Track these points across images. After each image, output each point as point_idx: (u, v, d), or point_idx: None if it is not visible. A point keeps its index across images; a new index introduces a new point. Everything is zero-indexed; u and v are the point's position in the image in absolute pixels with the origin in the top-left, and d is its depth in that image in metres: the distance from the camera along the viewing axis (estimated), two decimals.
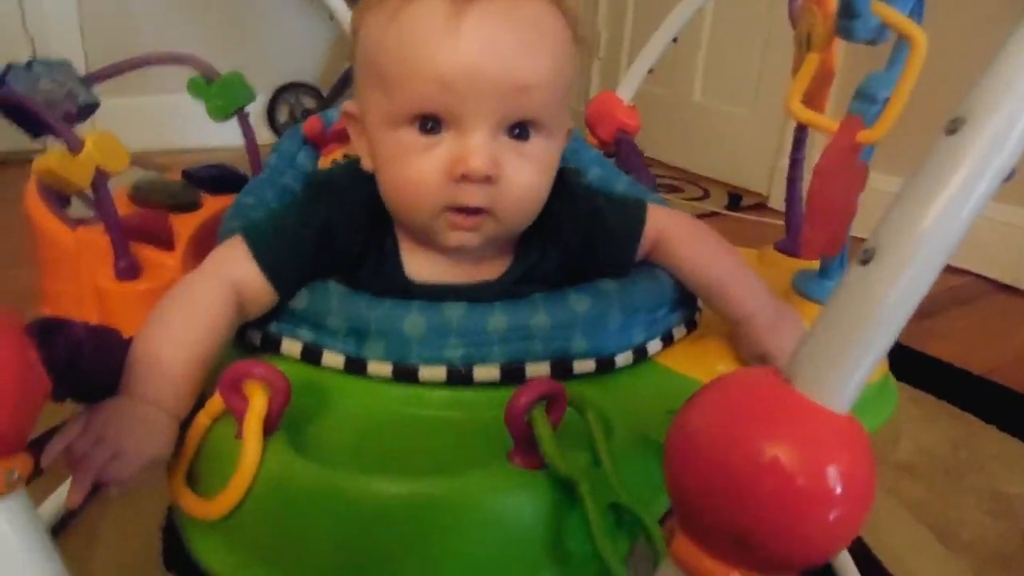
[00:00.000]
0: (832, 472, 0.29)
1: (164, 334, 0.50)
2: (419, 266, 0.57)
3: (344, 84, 2.24)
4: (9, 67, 0.64)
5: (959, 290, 1.47)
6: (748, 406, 0.31)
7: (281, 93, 2.29)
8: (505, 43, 0.49)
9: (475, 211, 0.52)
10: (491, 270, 0.58)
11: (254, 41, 2.24)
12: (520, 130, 0.51)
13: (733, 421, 0.30)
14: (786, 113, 0.57)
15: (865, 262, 0.28)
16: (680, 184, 2.07)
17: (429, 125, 0.50)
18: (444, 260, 0.57)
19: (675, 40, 1.00)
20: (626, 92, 1.02)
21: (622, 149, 0.97)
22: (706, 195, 2.03)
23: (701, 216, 1.68)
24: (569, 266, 0.59)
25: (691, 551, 0.32)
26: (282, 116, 2.33)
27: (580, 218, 0.59)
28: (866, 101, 0.53)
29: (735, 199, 2.03)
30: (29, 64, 0.66)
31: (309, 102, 2.33)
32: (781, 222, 1.81)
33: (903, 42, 0.53)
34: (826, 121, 0.51)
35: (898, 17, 0.47)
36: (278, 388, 0.45)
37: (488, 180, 0.50)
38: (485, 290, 0.57)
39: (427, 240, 0.56)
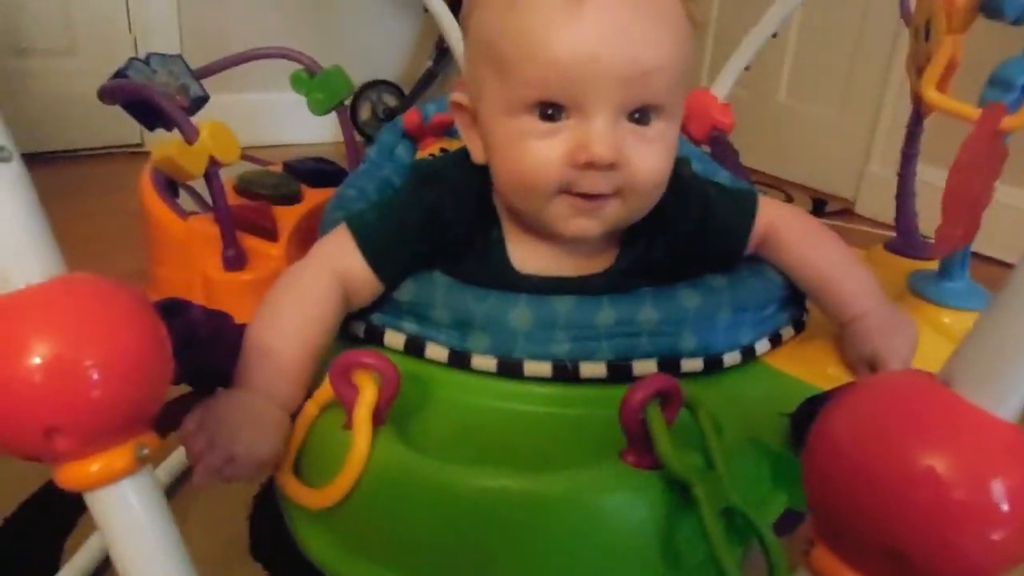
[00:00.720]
0: (998, 486, 0.26)
1: (275, 326, 0.51)
2: (525, 257, 0.57)
3: (427, 82, 2.25)
4: (131, 61, 0.66)
5: None
6: (902, 410, 0.28)
7: (364, 91, 2.32)
8: (626, 28, 0.48)
9: (597, 195, 0.50)
10: (598, 262, 0.57)
11: (337, 39, 2.28)
12: (640, 115, 0.50)
13: (885, 426, 0.28)
14: (908, 101, 0.54)
15: None
16: (762, 188, 2.01)
17: (550, 111, 0.49)
18: (550, 252, 0.56)
19: (775, 35, 0.97)
20: (721, 89, 1.00)
21: (717, 147, 0.95)
22: (789, 200, 1.97)
23: None
24: (677, 257, 0.58)
25: (833, 564, 0.30)
26: (364, 114, 2.36)
27: (690, 207, 0.57)
28: (1003, 88, 0.49)
29: (820, 204, 1.96)
30: (147, 59, 0.68)
31: (391, 100, 2.35)
32: (868, 229, 1.76)
33: None
34: (967, 108, 0.48)
35: None
36: (388, 378, 0.45)
37: (612, 167, 0.49)
38: (593, 282, 0.56)
39: (538, 230, 0.55)
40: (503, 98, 0.50)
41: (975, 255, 0.60)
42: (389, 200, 0.59)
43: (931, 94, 0.50)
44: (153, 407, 0.35)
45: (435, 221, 0.56)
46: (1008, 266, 1.48)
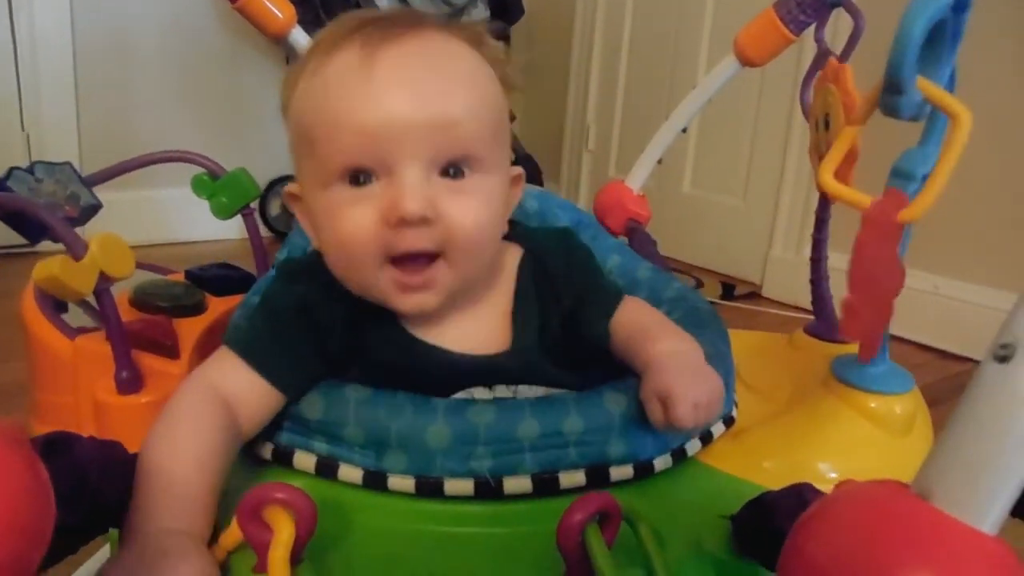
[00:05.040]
0: None
1: (175, 456, 0.46)
2: (420, 326, 0.55)
3: None
4: (11, 171, 0.63)
5: (962, 377, 1.45)
6: (880, 529, 0.26)
7: (273, 186, 2.29)
8: (420, 83, 0.49)
9: (421, 261, 0.50)
10: (499, 337, 0.56)
11: (246, 136, 2.26)
12: (455, 170, 0.51)
13: (869, 547, 0.26)
14: (817, 188, 0.55)
15: (1004, 359, 0.25)
16: (674, 274, 2.07)
17: (360, 178, 0.49)
18: (441, 318, 0.55)
19: (684, 130, 1.01)
20: (635, 182, 1.02)
21: (635, 239, 0.95)
22: (699, 285, 2.03)
23: None
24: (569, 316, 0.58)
25: None
26: (274, 209, 2.33)
27: (552, 246, 0.60)
28: (904, 178, 0.51)
29: (729, 289, 2.02)
30: (31, 167, 0.64)
31: None
32: (776, 311, 1.82)
33: (937, 117, 0.51)
34: (860, 196, 0.50)
35: (940, 93, 0.45)
36: (304, 513, 0.41)
37: (426, 221, 0.49)
38: (501, 362, 0.55)
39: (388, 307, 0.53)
40: (316, 172, 0.51)
41: (891, 336, 0.61)
42: (259, 303, 0.56)
43: (828, 181, 0.51)
44: (29, 570, 0.30)
45: (306, 309, 0.54)
46: (922, 347, 1.57)
